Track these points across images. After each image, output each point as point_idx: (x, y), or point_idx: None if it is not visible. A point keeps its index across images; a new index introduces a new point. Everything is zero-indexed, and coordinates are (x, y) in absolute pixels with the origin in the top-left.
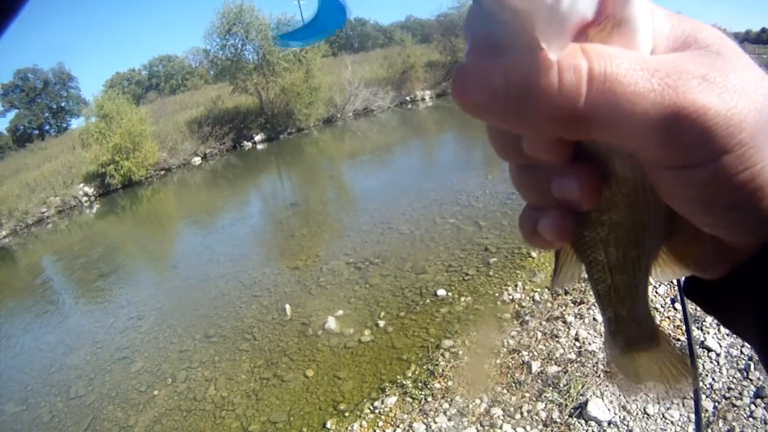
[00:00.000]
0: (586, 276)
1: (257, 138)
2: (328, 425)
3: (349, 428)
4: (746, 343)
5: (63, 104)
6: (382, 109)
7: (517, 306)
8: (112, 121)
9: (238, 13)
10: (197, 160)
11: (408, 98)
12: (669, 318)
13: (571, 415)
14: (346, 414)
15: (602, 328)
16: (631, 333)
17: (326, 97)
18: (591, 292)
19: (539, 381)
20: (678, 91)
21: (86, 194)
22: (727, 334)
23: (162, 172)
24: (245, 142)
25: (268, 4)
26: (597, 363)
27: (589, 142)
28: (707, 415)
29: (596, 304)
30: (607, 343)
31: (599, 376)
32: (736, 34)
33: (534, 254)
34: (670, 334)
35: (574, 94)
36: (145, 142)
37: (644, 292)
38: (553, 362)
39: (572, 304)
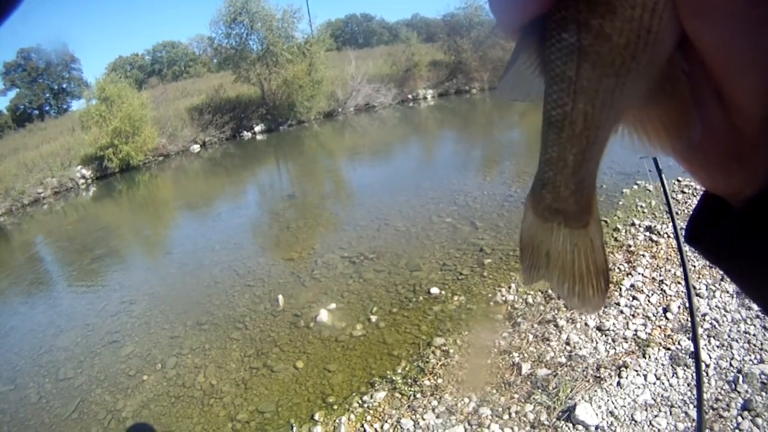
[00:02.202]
0: (541, 95)
1: (257, 128)
2: (316, 417)
3: (337, 421)
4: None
5: (64, 85)
6: (383, 106)
7: (509, 307)
8: (112, 105)
9: (244, 2)
10: (196, 148)
11: (410, 96)
12: (660, 327)
13: (559, 418)
14: (335, 407)
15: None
16: (564, 193)
17: (328, 91)
18: None
19: (529, 383)
20: None
21: (83, 176)
22: (718, 346)
23: (160, 158)
24: (245, 132)
25: None
26: (587, 368)
27: None
28: (695, 426)
29: (541, 140)
30: (529, 200)
31: (588, 381)
32: None
33: None
34: (661, 343)
35: None
36: (145, 127)
37: (601, 142)
38: (543, 365)
39: (564, 308)
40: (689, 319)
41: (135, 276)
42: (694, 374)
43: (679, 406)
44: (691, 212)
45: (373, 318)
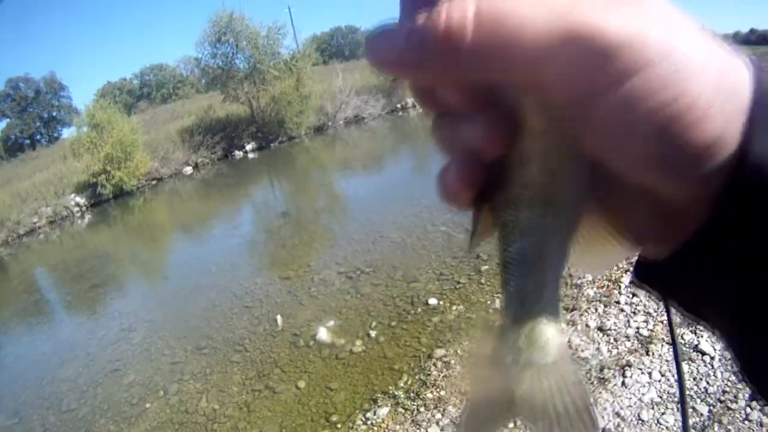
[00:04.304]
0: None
1: (248, 147)
2: None
3: None
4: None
5: (54, 114)
6: (372, 117)
7: None
8: (103, 131)
9: (228, 21)
10: (189, 170)
11: (399, 105)
12: (662, 322)
13: None
14: (339, 426)
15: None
16: (525, 327)
17: (317, 105)
18: (580, 297)
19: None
20: (574, 12)
21: (78, 204)
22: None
23: (153, 182)
24: (236, 152)
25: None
26: (590, 370)
27: (501, 89)
28: (702, 419)
29: (500, 273)
30: (483, 339)
31: (593, 383)
32: (725, 36)
33: None
34: (664, 339)
35: (459, 31)
36: (137, 152)
37: (556, 267)
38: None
39: (564, 311)
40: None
41: (133, 303)
42: (699, 368)
43: (686, 402)
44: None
45: (373, 333)
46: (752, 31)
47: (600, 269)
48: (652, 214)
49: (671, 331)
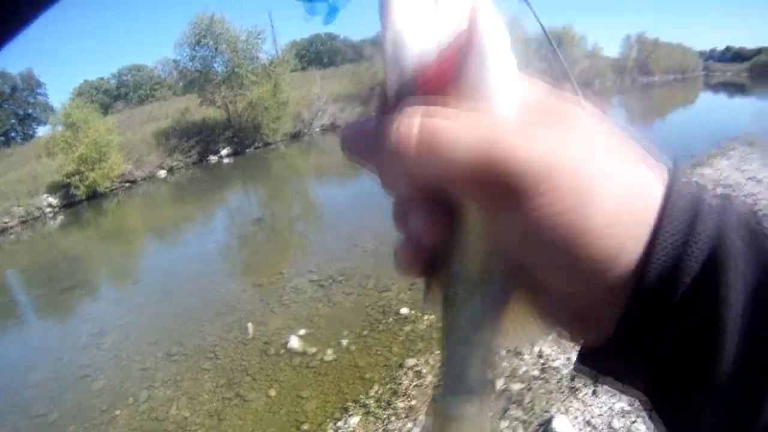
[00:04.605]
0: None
1: (224, 152)
2: None
3: None
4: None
5: (30, 111)
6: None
7: None
8: (78, 131)
9: (209, 23)
10: (163, 173)
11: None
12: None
13: None
14: None
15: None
16: (461, 391)
17: (294, 111)
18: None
19: (503, 398)
20: (494, 137)
21: (50, 205)
22: None
23: (127, 185)
24: (211, 156)
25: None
26: (561, 379)
27: (443, 189)
28: None
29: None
30: (429, 408)
31: (564, 393)
32: (701, 53)
33: None
34: None
35: (405, 142)
36: (111, 153)
37: (486, 340)
38: (516, 379)
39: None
40: None
41: (104, 307)
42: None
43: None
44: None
45: (344, 342)
46: (728, 48)
47: (525, 342)
48: (571, 309)
49: None
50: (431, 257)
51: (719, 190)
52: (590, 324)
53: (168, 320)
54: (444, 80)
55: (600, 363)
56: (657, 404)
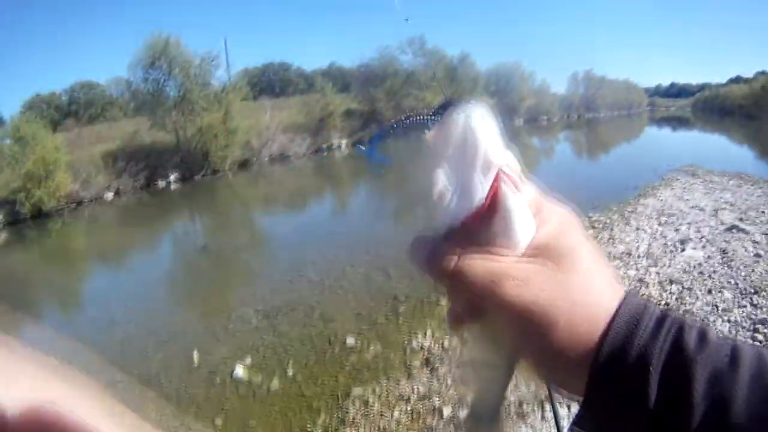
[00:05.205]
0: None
1: (172, 177)
2: None
3: None
4: None
5: None
6: (297, 156)
7: (426, 353)
8: (26, 146)
9: (164, 46)
10: (110, 196)
11: (324, 146)
12: None
13: None
14: None
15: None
16: (481, 413)
17: (243, 140)
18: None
19: (451, 426)
20: (497, 286)
21: None
22: None
23: (73, 205)
24: (160, 181)
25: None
26: (509, 405)
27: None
28: None
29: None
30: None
31: (512, 419)
32: (647, 89)
33: (443, 302)
34: None
35: (446, 269)
36: (58, 172)
37: (503, 381)
38: (464, 407)
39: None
40: None
41: (45, 332)
42: None
43: None
44: None
45: (290, 371)
46: (672, 84)
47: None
48: (558, 381)
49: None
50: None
51: (663, 219)
52: (574, 389)
53: (112, 348)
54: (477, 226)
55: (585, 424)
56: None
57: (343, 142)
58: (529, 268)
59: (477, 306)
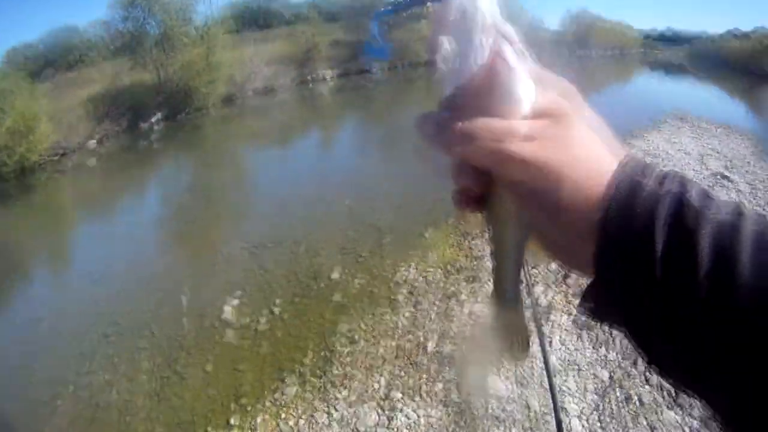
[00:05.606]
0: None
1: (155, 118)
2: (232, 422)
3: (253, 423)
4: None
5: None
6: (283, 89)
7: (410, 286)
8: (5, 100)
9: None
10: (93, 143)
11: (310, 77)
12: (562, 292)
13: (469, 393)
14: (248, 408)
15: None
16: (501, 288)
17: (227, 75)
18: (484, 269)
19: (436, 361)
20: (503, 143)
21: None
22: None
23: (56, 157)
24: (142, 123)
25: None
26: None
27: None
28: (603, 384)
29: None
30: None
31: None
32: (641, 32)
33: (427, 234)
34: (562, 309)
35: (451, 138)
36: (40, 124)
37: (516, 259)
38: (448, 341)
39: (465, 282)
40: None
41: (38, 290)
42: (597, 335)
43: (586, 368)
44: None
45: (276, 310)
46: (668, 29)
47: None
48: (562, 247)
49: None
50: (478, 201)
51: (649, 159)
52: (579, 261)
53: (102, 300)
54: (482, 90)
55: (587, 300)
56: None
57: (329, 73)
58: (532, 125)
59: (484, 174)
